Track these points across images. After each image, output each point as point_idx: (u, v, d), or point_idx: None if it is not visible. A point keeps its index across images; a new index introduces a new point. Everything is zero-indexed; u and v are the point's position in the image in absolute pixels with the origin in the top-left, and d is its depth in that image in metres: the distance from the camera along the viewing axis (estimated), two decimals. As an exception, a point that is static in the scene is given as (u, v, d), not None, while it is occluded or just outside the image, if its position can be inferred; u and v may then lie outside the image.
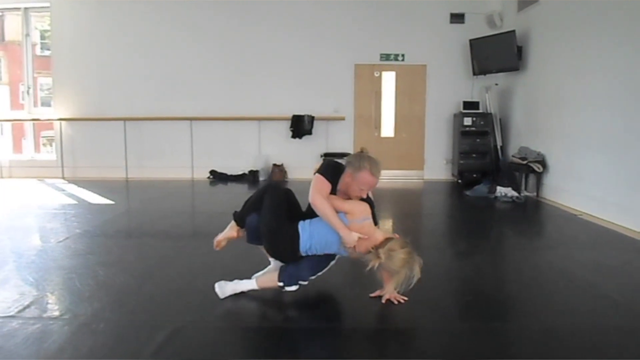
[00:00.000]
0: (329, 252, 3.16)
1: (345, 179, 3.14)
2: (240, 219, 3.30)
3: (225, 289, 3.15)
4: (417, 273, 2.98)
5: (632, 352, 2.62)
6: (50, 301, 3.25)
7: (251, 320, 2.93)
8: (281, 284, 3.08)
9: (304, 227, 3.10)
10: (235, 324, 2.87)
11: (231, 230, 3.35)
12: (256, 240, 3.23)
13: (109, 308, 3.13)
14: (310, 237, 3.08)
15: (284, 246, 3.12)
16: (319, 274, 3.21)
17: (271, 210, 3.11)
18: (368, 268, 3.01)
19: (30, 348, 2.57)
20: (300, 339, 2.80)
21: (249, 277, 3.24)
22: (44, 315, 2.99)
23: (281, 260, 3.21)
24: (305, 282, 3.14)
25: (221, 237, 3.37)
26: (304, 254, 3.13)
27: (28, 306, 3.10)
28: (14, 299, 3.22)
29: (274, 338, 2.80)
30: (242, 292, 3.19)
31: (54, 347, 2.58)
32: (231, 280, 3.22)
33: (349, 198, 3.16)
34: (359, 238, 3.00)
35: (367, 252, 3.04)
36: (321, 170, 3.13)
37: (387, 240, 3.05)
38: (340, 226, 2.99)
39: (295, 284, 3.11)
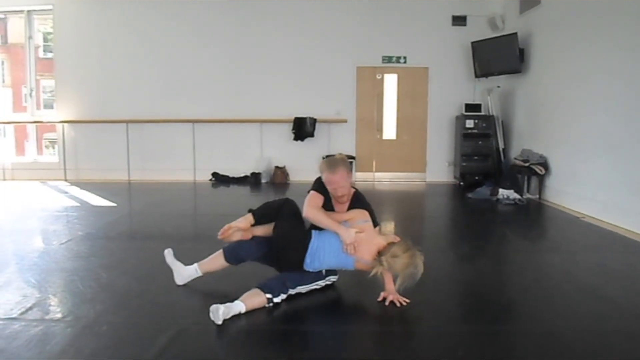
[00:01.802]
0: (332, 261, 3.21)
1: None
2: (258, 215, 3.39)
3: (220, 312, 2.85)
4: (420, 269, 3.07)
5: (635, 355, 2.61)
6: (52, 303, 3.25)
7: (254, 322, 2.93)
8: (269, 295, 3.06)
9: (315, 233, 3.26)
10: (238, 326, 2.87)
11: (245, 222, 3.38)
12: (234, 260, 3.36)
13: (112, 310, 3.14)
14: (318, 240, 3.20)
15: (295, 245, 3.22)
16: (301, 287, 3.25)
17: (292, 214, 3.31)
18: (371, 274, 3.11)
19: (32, 350, 2.57)
20: (304, 341, 2.80)
21: (250, 281, 3.24)
22: (46, 317, 2.99)
23: (285, 262, 3.25)
24: (286, 295, 3.16)
25: (234, 224, 3.37)
26: (307, 261, 3.19)
27: (30, 308, 3.10)
28: (17, 301, 3.22)
29: (277, 340, 2.80)
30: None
31: (56, 349, 2.58)
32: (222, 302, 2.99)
33: (343, 205, 3.42)
34: (357, 233, 3.13)
35: (372, 260, 3.12)
36: (312, 187, 3.41)
37: (390, 245, 3.11)
38: (335, 226, 3.18)
39: (280, 294, 3.12)
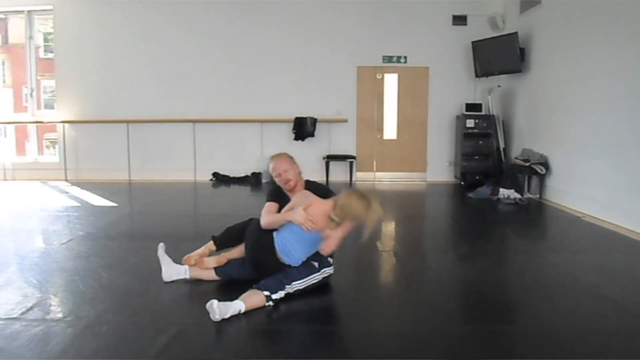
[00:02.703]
0: (303, 247, 3.26)
1: None
2: (219, 241, 3.68)
3: (214, 306, 2.86)
4: (378, 210, 3.13)
5: (636, 355, 2.61)
6: (53, 303, 3.25)
7: (255, 322, 2.93)
8: (267, 292, 3.07)
9: (274, 233, 3.35)
10: (238, 326, 2.87)
11: (205, 249, 3.66)
12: (223, 275, 3.53)
13: (112, 310, 3.14)
14: (280, 237, 3.29)
15: (264, 251, 3.30)
16: (297, 283, 3.24)
17: (256, 229, 3.43)
18: (324, 234, 3.19)
19: (33, 350, 2.57)
20: (304, 341, 2.80)
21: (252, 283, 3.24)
22: (47, 317, 2.99)
23: (266, 269, 3.29)
24: (283, 291, 3.15)
25: (193, 254, 3.63)
26: (285, 259, 3.25)
27: (31, 308, 3.10)
28: (17, 301, 3.22)
29: (278, 340, 2.81)
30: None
31: (56, 349, 2.58)
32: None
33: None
34: (305, 210, 3.21)
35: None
36: (267, 198, 3.59)
37: (336, 202, 3.21)
38: (284, 216, 3.33)
39: (279, 290, 3.13)
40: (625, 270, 4.14)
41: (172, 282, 3.53)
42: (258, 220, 3.47)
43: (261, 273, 3.30)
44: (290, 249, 3.25)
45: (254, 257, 3.38)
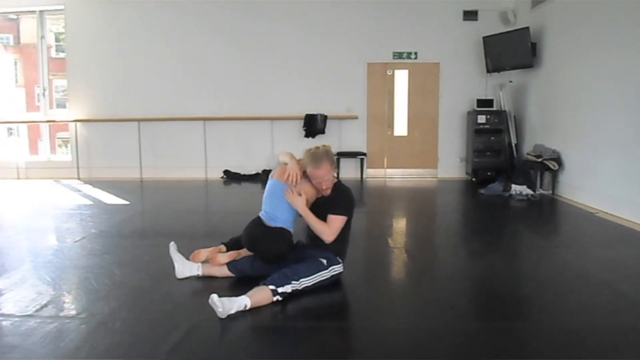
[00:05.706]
0: (277, 205, 3.44)
1: None
2: (230, 244, 3.72)
3: (217, 303, 2.85)
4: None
5: (650, 351, 2.59)
6: (66, 300, 3.28)
7: (266, 319, 2.94)
8: (272, 286, 3.06)
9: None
10: (250, 323, 2.88)
11: (216, 247, 3.69)
12: (234, 269, 3.58)
13: (125, 307, 3.16)
14: (263, 210, 3.51)
15: (254, 225, 3.49)
16: (305, 280, 3.21)
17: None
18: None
19: (47, 347, 2.59)
20: (315, 338, 2.80)
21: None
22: (61, 314, 3.03)
23: (258, 241, 3.44)
24: (289, 286, 3.13)
25: (203, 250, 3.65)
26: (269, 222, 3.43)
27: (45, 305, 3.13)
28: (32, 298, 3.25)
29: (290, 337, 2.81)
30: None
31: (70, 345, 2.61)
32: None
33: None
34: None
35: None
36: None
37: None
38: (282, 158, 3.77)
39: (285, 284, 3.11)
40: (638, 266, 4.10)
41: (185, 279, 3.56)
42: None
43: (265, 258, 3.43)
44: (273, 215, 3.43)
45: (248, 235, 3.47)
